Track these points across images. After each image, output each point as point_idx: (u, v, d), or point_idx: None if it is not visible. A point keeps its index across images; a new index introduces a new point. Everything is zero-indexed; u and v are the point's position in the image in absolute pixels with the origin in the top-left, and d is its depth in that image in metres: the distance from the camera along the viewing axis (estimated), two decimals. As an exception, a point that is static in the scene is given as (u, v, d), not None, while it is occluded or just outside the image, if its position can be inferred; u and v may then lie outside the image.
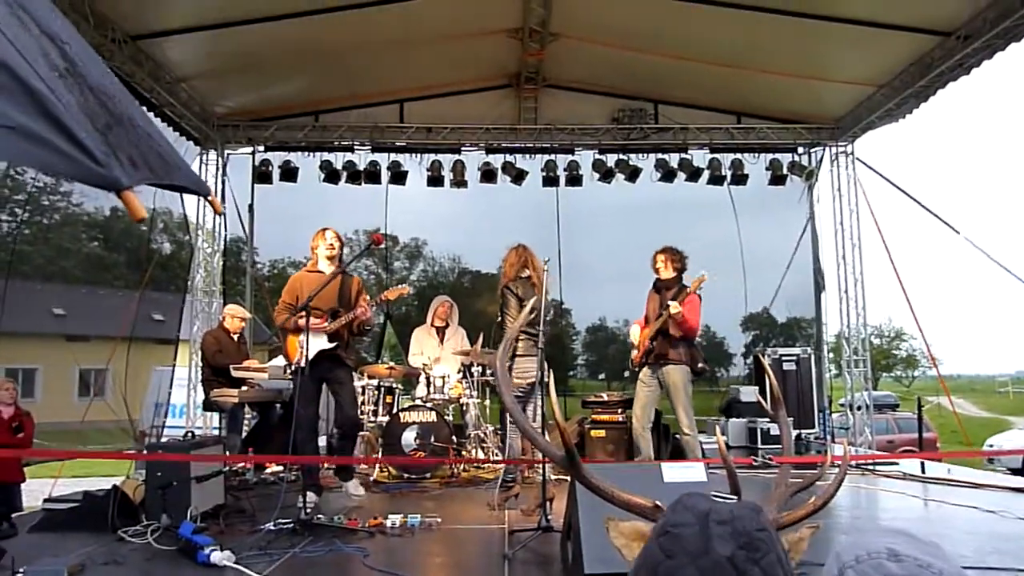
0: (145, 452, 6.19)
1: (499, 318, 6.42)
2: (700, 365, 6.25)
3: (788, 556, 0.98)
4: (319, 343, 5.69)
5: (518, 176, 9.90)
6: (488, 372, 7.64)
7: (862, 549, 0.98)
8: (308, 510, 5.02)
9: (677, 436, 6.72)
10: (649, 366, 6.35)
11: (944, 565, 0.94)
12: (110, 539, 4.71)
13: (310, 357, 5.33)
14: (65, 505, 5.51)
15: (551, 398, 2.37)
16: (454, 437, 7.06)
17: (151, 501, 4.98)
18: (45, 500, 6.12)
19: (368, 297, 6.01)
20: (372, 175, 9.82)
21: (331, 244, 5.94)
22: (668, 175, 9.94)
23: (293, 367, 5.64)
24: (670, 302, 6.18)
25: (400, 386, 8.00)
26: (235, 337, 7.65)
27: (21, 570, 3.90)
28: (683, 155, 9.99)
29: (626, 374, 7.22)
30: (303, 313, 5.26)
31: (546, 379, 3.98)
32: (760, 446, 8.19)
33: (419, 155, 9.98)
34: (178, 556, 4.25)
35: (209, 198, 1.76)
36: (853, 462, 8.28)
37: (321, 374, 5.76)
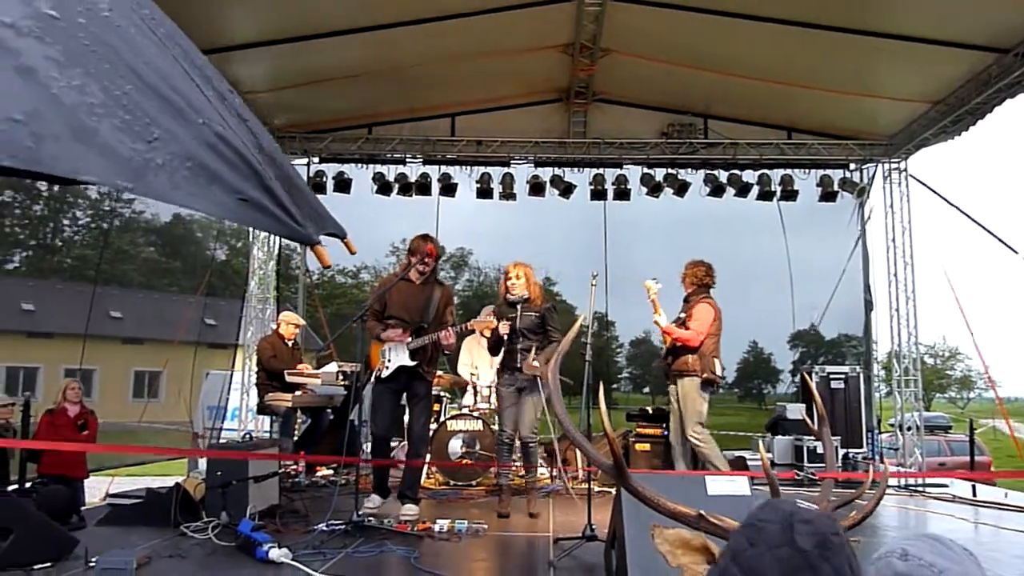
0: (207, 449, 6.44)
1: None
2: (706, 375, 6.16)
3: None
4: (401, 358, 5.75)
5: (566, 189, 10.04)
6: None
7: (885, 548, 1.09)
8: (372, 511, 5.21)
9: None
10: (668, 380, 6.43)
11: (948, 566, 1.05)
12: (172, 534, 4.95)
13: (391, 370, 5.50)
14: (129, 501, 5.80)
15: (601, 409, 2.49)
16: (500, 446, 7.18)
17: (211, 499, 5.22)
18: (109, 495, 6.43)
19: (454, 311, 6.03)
20: (423, 187, 10.06)
21: (428, 254, 5.81)
22: (717, 190, 9.96)
23: (373, 375, 5.78)
24: (655, 316, 6.25)
25: (447, 395, 8.19)
26: (289, 343, 7.91)
27: (93, 560, 4.15)
28: (732, 170, 10.01)
29: (646, 389, 7.27)
30: (389, 322, 5.44)
31: (594, 391, 4.08)
32: (806, 464, 8.16)
33: (469, 168, 10.17)
34: (237, 552, 4.46)
35: (345, 240, 1.98)
36: (900, 482, 8.21)
37: (400, 387, 5.87)
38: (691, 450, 6.22)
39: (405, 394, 6.00)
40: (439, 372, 8.27)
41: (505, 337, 5.82)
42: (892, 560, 1.09)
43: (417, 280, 5.83)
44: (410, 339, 5.73)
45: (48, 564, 4.10)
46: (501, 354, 6.06)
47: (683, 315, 6.32)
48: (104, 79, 1.33)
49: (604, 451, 2.19)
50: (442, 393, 8.10)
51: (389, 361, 5.67)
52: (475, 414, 7.37)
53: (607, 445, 2.16)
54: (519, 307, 5.90)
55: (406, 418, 6.48)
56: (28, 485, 6.46)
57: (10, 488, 5.70)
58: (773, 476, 2.12)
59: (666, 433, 7.45)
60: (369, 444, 7.78)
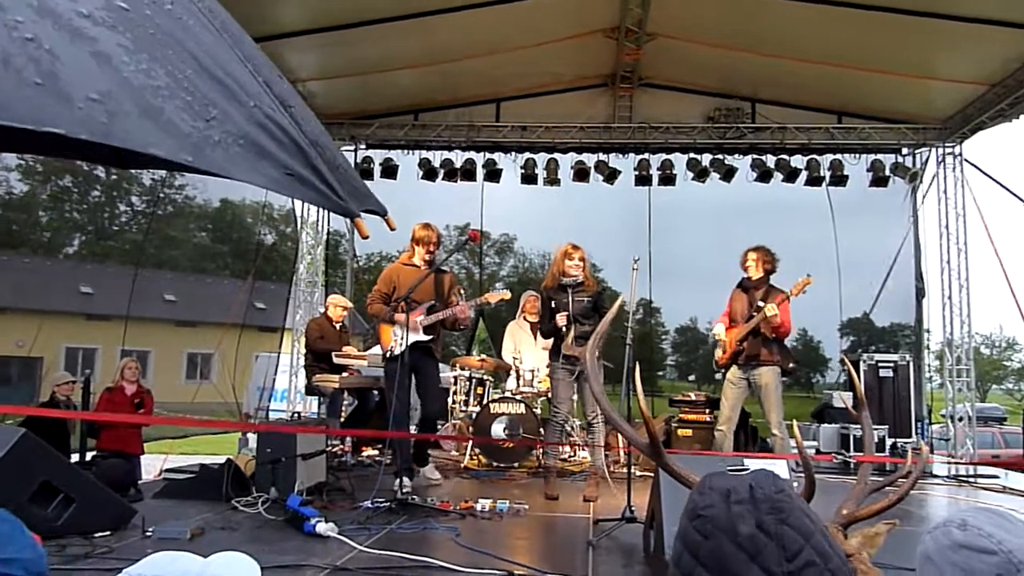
0: (258, 424, 6.65)
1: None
2: (791, 365, 6.25)
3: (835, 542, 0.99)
4: (415, 335, 5.97)
5: (611, 175, 10.03)
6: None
7: (944, 518, 1.11)
8: (404, 492, 5.35)
9: (766, 439, 6.73)
10: (739, 366, 6.35)
11: (1008, 538, 1.04)
12: (224, 507, 5.14)
13: (405, 346, 5.65)
14: (183, 476, 6.04)
15: (638, 391, 2.55)
16: (542, 430, 7.28)
17: (261, 475, 5.40)
18: (164, 471, 6.69)
19: (462, 292, 6.29)
20: (468, 173, 10.14)
21: (435, 242, 6.19)
22: (764, 175, 9.86)
23: (387, 355, 5.96)
24: (764, 303, 6.18)
25: (490, 378, 8.29)
26: (337, 326, 8.08)
27: (150, 530, 4.35)
28: (780, 155, 9.90)
29: (717, 376, 7.25)
30: (401, 305, 5.60)
31: (632, 375, 4.13)
32: (852, 453, 8.09)
33: (514, 153, 10.23)
34: (285, 526, 4.63)
35: (386, 217, 2.11)
36: (950, 471, 8.09)
37: (413, 363, 6.05)
38: (739, 434, 6.26)
39: (416, 373, 6.15)
40: (483, 356, 8.40)
41: (562, 326, 5.89)
42: (951, 529, 1.08)
43: (423, 267, 6.07)
44: (422, 316, 5.97)
45: (108, 532, 4.31)
46: (553, 340, 6.14)
47: (762, 303, 6.26)
48: (168, 64, 1.47)
49: (645, 434, 2.24)
50: (486, 377, 8.21)
51: (402, 338, 5.84)
52: (518, 397, 7.46)
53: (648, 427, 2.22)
54: (570, 291, 5.94)
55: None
56: (88, 459, 6.77)
57: (72, 461, 5.97)
58: (807, 456, 2.15)
59: (710, 419, 7.46)
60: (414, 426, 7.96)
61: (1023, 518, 1.11)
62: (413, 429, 8.12)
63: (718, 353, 6.57)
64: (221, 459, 6.07)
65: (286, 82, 1.93)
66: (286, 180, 1.69)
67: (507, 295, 6.45)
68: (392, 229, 2.26)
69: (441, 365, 7.05)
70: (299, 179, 1.71)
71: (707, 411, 7.59)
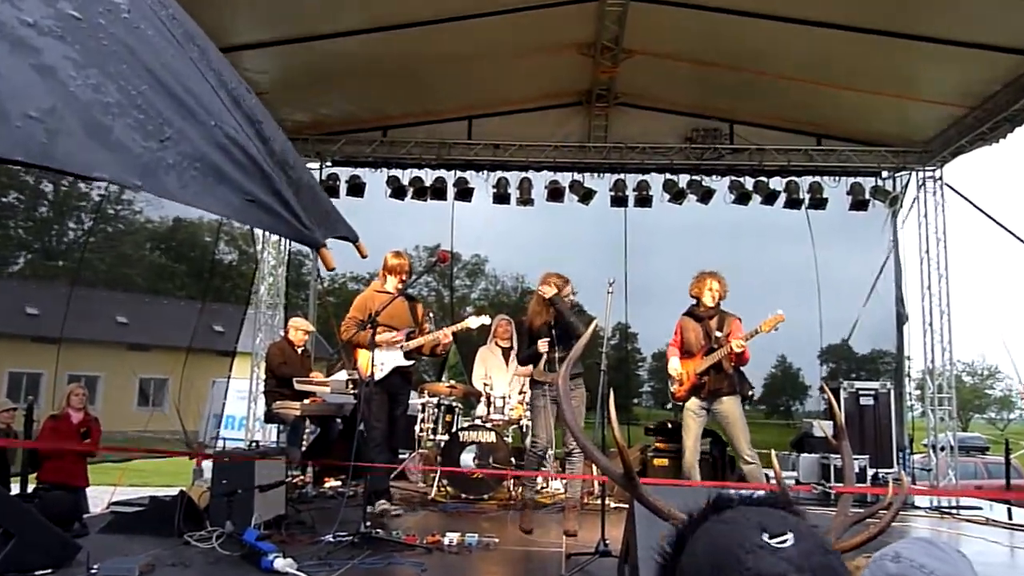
0: (214, 454, 6.54)
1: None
2: (750, 393, 6.36)
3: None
4: (395, 359, 6.18)
5: (586, 195, 10.10)
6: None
7: (879, 552, 1.14)
8: (381, 516, 5.34)
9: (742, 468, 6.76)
10: (699, 398, 6.41)
11: (939, 567, 1.08)
12: (176, 543, 5.04)
13: (387, 371, 5.68)
14: (132, 509, 5.90)
15: (612, 419, 2.55)
16: (513, 459, 7.25)
17: (216, 507, 5.31)
18: (112, 504, 6.54)
19: (431, 316, 6.42)
20: (438, 191, 10.14)
21: (407, 271, 6.43)
22: (742, 197, 9.99)
23: (366, 380, 5.91)
24: (720, 332, 6.28)
25: (460, 405, 8.26)
26: (299, 350, 8.01)
27: (95, 567, 4.24)
28: (759, 177, 10.04)
29: (668, 405, 7.30)
30: (381, 330, 5.72)
31: (607, 402, 4.13)
32: (832, 483, 8.15)
33: (486, 172, 10.25)
34: (242, 562, 4.55)
35: (357, 243, 2.07)
36: (932, 503, 8.18)
37: (390, 389, 6.14)
38: (713, 465, 6.30)
39: (391, 400, 6.27)
40: (452, 382, 8.37)
41: (544, 352, 5.90)
42: (885, 563, 1.12)
43: (395, 292, 6.28)
44: (404, 341, 6.08)
45: (49, 570, 4.20)
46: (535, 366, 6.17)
47: (719, 333, 6.34)
48: (120, 79, 1.42)
49: (619, 463, 2.24)
50: (455, 404, 8.17)
51: (382, 363, 5.87)
52: (488, 425, 7.43)
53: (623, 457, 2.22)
54: (539, 289, 6.00)
55: None
56: (30, 491, 6.60)
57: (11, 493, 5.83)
58: (786, 487, 2.17)
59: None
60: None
61: (993, 566, 1.13)
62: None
63: (674, 387, 6.56)
64: (173, 491, 5.96)
65: (254, 96, 1.91)
66: (246, 207, 1.65)
67: (487, 320, 6.57)
68: (363, 256, 2.22)
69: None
70: (260, 206, 1.68)
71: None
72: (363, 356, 6.11)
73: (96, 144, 1.35)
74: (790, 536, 0.87)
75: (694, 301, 6.60)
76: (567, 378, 2.73)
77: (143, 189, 1.45)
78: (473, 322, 6.45)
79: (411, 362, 6.25)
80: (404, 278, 6.37)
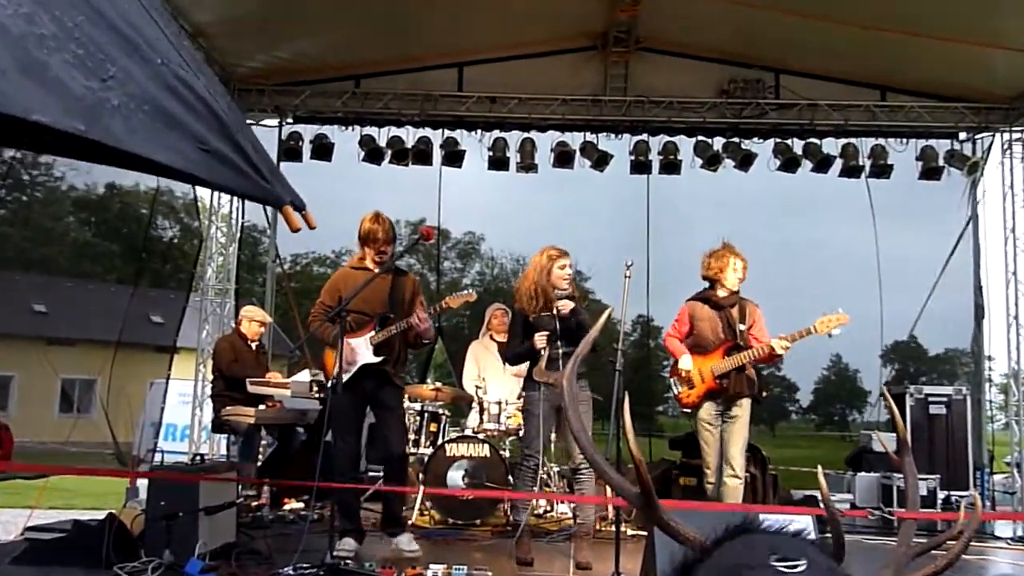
0: (148, 470, 6.57)
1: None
2: (764, 394, 6.39)
3: None
4: (363, 356, 5.91)
5: (600, 160, 10.09)
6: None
7: None
8: (346, 560, 5.31)
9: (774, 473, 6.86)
10: (714, 403, 6.40)
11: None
12: (103, 575, 5.07)
13: (353, 372, 5.60)
14: (51, 535, 5.93)
15: (627, 429, 2.56)
16: (511, 477, 7.28)
17: (152, 534, 5.34)
18: (27, 529, 6.57)
19: (424, 303, 6.19)
20: (422, 154, 10.12)
21: (386, 239, 6.01)
22: (790, 163, 9.98)
23: (329, 384, 5.86)
24: (744, 326, 6.29)
25: (447, 412, 8.28)
26: (253, 345, 8.03)
27: (6, 604, 4.27)
28: (810, 139, 10.03)
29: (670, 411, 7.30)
30: (350, 320, 5.54)
31: (621, 409, 4.12)
32: (895, 508, 8.19)
33: (480, 131, 10.23)
34: (183, 598, 4.58)
35: (304, 212, 2.07)
36: (1015, 531, 8.21)
37: (364, 395, 5.99)
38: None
39: (370, 407, 6.16)
40: (438, 384, 8.39)
41: (542, 348, 5.85)
42: None
43: (375, 268, 5.97)
44: (372, 332, 5.87)
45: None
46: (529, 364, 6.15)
47: (743, 326, 6.35)
48: (55, 8, 1.42)
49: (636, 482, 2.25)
50: (441, 410, 8.20)
51: (349, 362, 5.79)
52: (480, 436, 7.45)
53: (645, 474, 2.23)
54: (557, 305, 5.98)
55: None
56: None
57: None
58: (834, 510, 2.18)
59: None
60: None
61: None
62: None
63: (681, 390, 6.51)
64: (101, 514, 5.98)
65: (187, 42, 1.92)
66: (201, 158, 1.66)
67: (472, 297, 6.25)
68: (311, 227, 2.21)
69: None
70: (217, 156, 1.69)
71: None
72: (329, 356, 6.00)
73: (32, 83, 1.35)
74: (803, 563, 0.89)
75: (707, 284, 6.58)
76: (573, 378, 2.73)
77: (88, 135, 1.44)
78: (454, 300, 6.13)
79: (380, 358, 5.90)
80: (383, 248, 5.98)
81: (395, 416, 6.15)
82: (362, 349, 5.92)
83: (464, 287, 15.35)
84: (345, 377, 5.62)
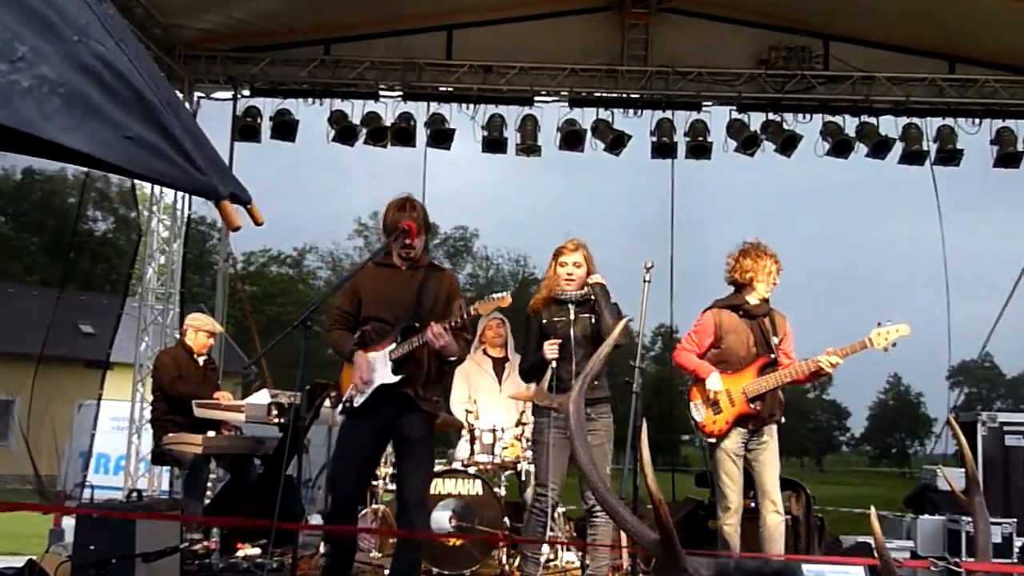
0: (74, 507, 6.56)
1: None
2: (783, 419, 6.39)
3: None
4: (380, 375, 5.60)
5: (616, 142, 10.07)
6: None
7: None
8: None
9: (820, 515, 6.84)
10: (743, 432, 6.34)
11: None
12: (22, 634, 5.07)
13: (368, 394, 5.47)
14: (-42, 586, 5.94)
15: (645, 462, 2.56)
16: (507, 519, 7.27)
17: (80, 584, 5.33)
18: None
19: (463, 305, 5.90)
20: (403, 133, 10.10)
21: (414, 230, 5.64)
22: (841, 147, 9.99)
23: (344, 403, 5.66)
24: (776, 338, 6.29)
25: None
26: (200, 359, 8.01)
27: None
28: (864, 117, 10.03)
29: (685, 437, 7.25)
30: (369, 331, 5.43)
31: (639, 439, 4.10)
32: (963, 559, 8.18)
33: (472, 106, 10.23)
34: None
35: (249, 206, 2.08)
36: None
37: (381, 423, 5.73)
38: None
39: (392, 438, 5.90)
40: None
41: (552, 361, 5.78)
42: None
43: (403, 266, 5.81)
44: (393, 345, 5.63)
45: None
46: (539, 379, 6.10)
47: (776, 338, 6.33)
48: None
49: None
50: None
51: (364, 382, 5.60)
52: (471, 470, 7.43)
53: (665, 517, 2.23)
54: (572, 307, 5.95)
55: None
56: None
57: None
58: (889, 560, 2.18)
59: (757, 506, 7.50)
60: (319, 512, 7.85)
61: None
62: (317, 519, 8.08)
63: (703, 415, 6.35)
64: (20, 560, 5.99)
65: (112, 9, 1.93)
66: (124, 146, 1.68)
67: (506, 301, 5.89)
68: (257, 223, 2.21)
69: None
70: (142, 144, 1.72)
71: (751, 492, 7.64)
72: (347, 373, 5.84)
73: None
74: None
75: (733, 288, 6.52)
76: (581, 402, 2.72)
77: (1, 121, 1.47)
78: (485, 306, 5.73)
79: (398, 377, 5.54)
80: (412, 240, 5.65)
81: (417, 452, 5.74)
82: (379, 366, 5.59)
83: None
84: (360, 399, 5.49)
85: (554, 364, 5.65)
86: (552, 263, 6.02)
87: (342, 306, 5.74)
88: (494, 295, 5.79)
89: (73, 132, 1.61)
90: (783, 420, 6.43)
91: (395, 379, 5.52)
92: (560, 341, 5.78)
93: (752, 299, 6.38)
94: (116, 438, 10.89)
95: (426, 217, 5.79)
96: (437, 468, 7.78)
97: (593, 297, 5.90)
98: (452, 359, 5.96)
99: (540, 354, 5.82)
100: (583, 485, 5.87)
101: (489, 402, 8.03)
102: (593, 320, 5.88)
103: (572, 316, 5.89)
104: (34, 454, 11.28)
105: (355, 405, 5.48)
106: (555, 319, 5.93)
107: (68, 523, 8.08)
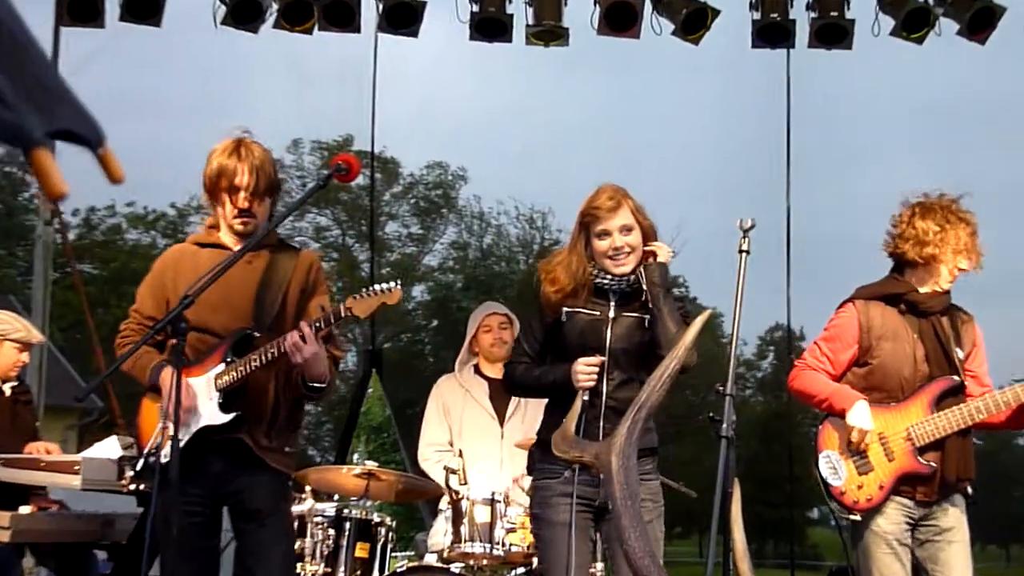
0: None
1: None
2: (970, 490, 6.21)
3: None
4: (203, 412, 5.66)
5: (693, 20, 10.03)
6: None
7: None
8: None
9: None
10: (904, 504, 6.23)
11: None
12: None
13: (185, 441, 5.51)
14: None
15: (736, 552, 2.56)
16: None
17: None
18: None
19: (327, 306, 5.96)
20: (340, 10, 10.10)
21: (257, 185, 5.72)
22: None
23: (143, 460, 5.73)
24: (961, 349, 6.19)
25: (390, 520, 8.27)
26: (7, 389, 8.04)
27: None
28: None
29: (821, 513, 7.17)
30: (182, 340, 5.40)
31: (728, 508, 4.07)
32: None
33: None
34: None
35: (101, 151, 2.06)
36: None
37: (211, 489, 5.78)
38: None
39: (231, 514, 5.94)
40: (371, 466, 8.37)
41: (586, 384, 5.72)
42: None
43: (235, 244, 5.81)
44: (220, 365, 5.64)
45: None
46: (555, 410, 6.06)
47: (961, 351, 6.22)
48: None
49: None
50: (378, 518, 8.19)
51: (183, 423, 5.62)
52: (455, 568, 7.46)
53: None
54: (613, 299, 5.94)
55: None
56: None
57: None
58: None
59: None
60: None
61: None
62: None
63: (848, 475, 6.15)
64: None
65: None
66: None
67: (393, 297, 5.81)
68: (115, 181, 2.19)
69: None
70: None
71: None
72: (148, 410, 5.86)
73: None
74: None
75: (892, 267, 6.38)
76: (632, 453, 2.73)
77: None
78: (360, 304, 5.69)
79: (230, 416, 5.60)
80: (250, 200, 5.71)
81: (265, 532, 5.85)
82: (202, 398, 5.70)
83: (423, 274, 15.50)
84: (168, 452, 5.42)
85: (586, 396, 5.62)
86: (578, 232, 5.94)
87: (142, 308, 5.81)
88: (378, 286, 5.76)
89: None
90: (970, 491, 6.31)
91: (224, 419, 5.60)
92: (603, 359, 5.74)
93: (926, 287, 6.25)
94: None
95: (273, 169, 5.86)
96: (399, 564, 7.83)
97: (648, 285, 5.84)
98: (318, 386, 5.89)
99: (564, 371, 5.76)
100: None
101: (484, 452, 8.01)
102: (646, 322, 5.83)
103: (612, 313, 5.87)
104: None
105: (163, 460, 5.36)
106: (583, 312, 5.88)
107: None
